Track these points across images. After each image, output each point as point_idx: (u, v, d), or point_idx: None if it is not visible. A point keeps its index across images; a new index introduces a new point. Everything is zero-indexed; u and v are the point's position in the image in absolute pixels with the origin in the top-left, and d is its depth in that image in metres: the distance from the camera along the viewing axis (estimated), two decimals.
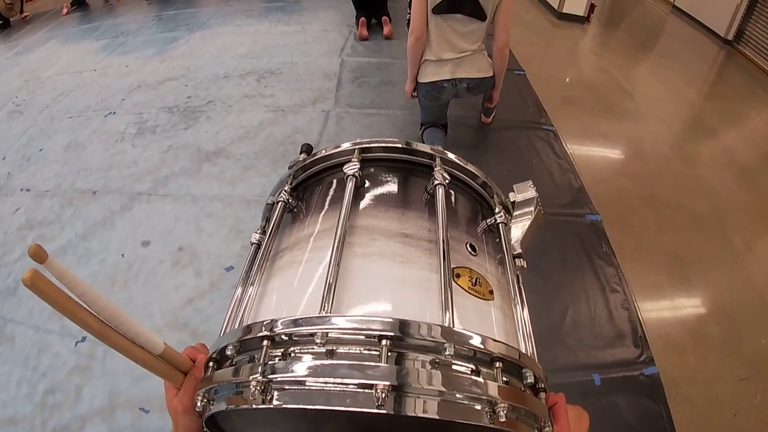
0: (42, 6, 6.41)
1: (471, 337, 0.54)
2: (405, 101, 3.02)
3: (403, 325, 0.51)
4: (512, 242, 0.80)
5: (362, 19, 4.37)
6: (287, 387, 0.50)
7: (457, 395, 0.49)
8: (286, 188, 0.80)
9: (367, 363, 0.49)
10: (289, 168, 0.84)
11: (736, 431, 1.85)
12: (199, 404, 0.56)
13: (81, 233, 2.66)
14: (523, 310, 0.69)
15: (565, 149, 3.08)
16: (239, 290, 0.68)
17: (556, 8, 5.20)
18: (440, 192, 0.70)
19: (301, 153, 0.88)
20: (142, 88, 3.93)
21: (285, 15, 5.04)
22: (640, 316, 2.17)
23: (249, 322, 0.61)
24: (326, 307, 0.55)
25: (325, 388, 0.48)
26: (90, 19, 5.56)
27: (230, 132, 3.31)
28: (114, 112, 3.65)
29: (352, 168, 0.72)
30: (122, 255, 2.51)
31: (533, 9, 5.55)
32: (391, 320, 0.51)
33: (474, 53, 2.36)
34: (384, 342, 0.50)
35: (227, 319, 0.65)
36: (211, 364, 0.59)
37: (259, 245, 0.74)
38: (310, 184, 0.84)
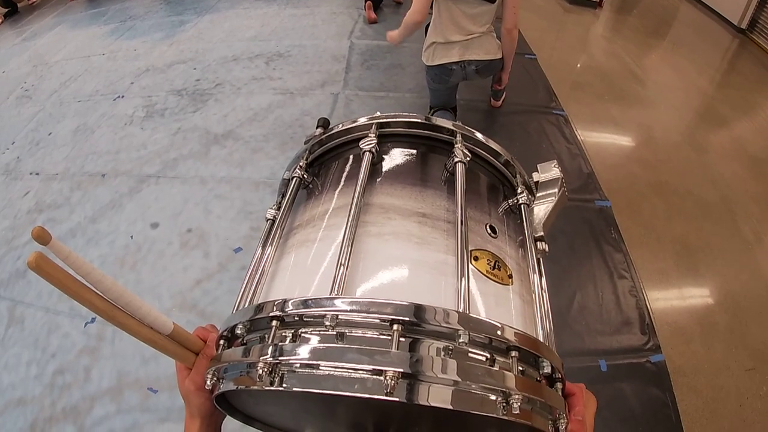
0: None
1: (488, 325, 0.52)
2: (414, 84, 2.99)
3: (417, 310, 0.50)
4: (534, 224, 0.76)
5: (368, 2, 4.33)
6: (295, 370, 0.49)
7: (472, 386, 0.47)
8: (301, 163, 0.78)
9: (376, 348, 0.47)
10: (305, 143, 0.82)
11: (740, 421, 1.85)
12: (208, 382, 0.56)
13: (90, 216, 2.68)
14: (543, 295, 0.66)
15: (576, 134, 3.05)
16: (252, 267, 0.66)
17: None
18: (460, 170, 0.67)
19: (317, 127, 0.86)
20: (150, 72, 3.92)
21: None
22: (647, 303, 2.17)
23: (260, 301, 0.60)
24: (336, 289, 0.53)
25: (333, 373, 0.47)
26: (97, 4, 5.52)
27: (239, 114, 3.31)
28: (122, 96, 3.65)
29: (368, 143, 0.70)
30: (131, 237, 2.53)
31: None
32: (404, 304, 0.50)
33: (482, 35, 2.35)
34: (396, 327, 0.49)
35: (240, 296, 0.64)
36: (221, 342, 0.59)
37: (273, 221, 0.73)
38: (326, 159, 0.82)
